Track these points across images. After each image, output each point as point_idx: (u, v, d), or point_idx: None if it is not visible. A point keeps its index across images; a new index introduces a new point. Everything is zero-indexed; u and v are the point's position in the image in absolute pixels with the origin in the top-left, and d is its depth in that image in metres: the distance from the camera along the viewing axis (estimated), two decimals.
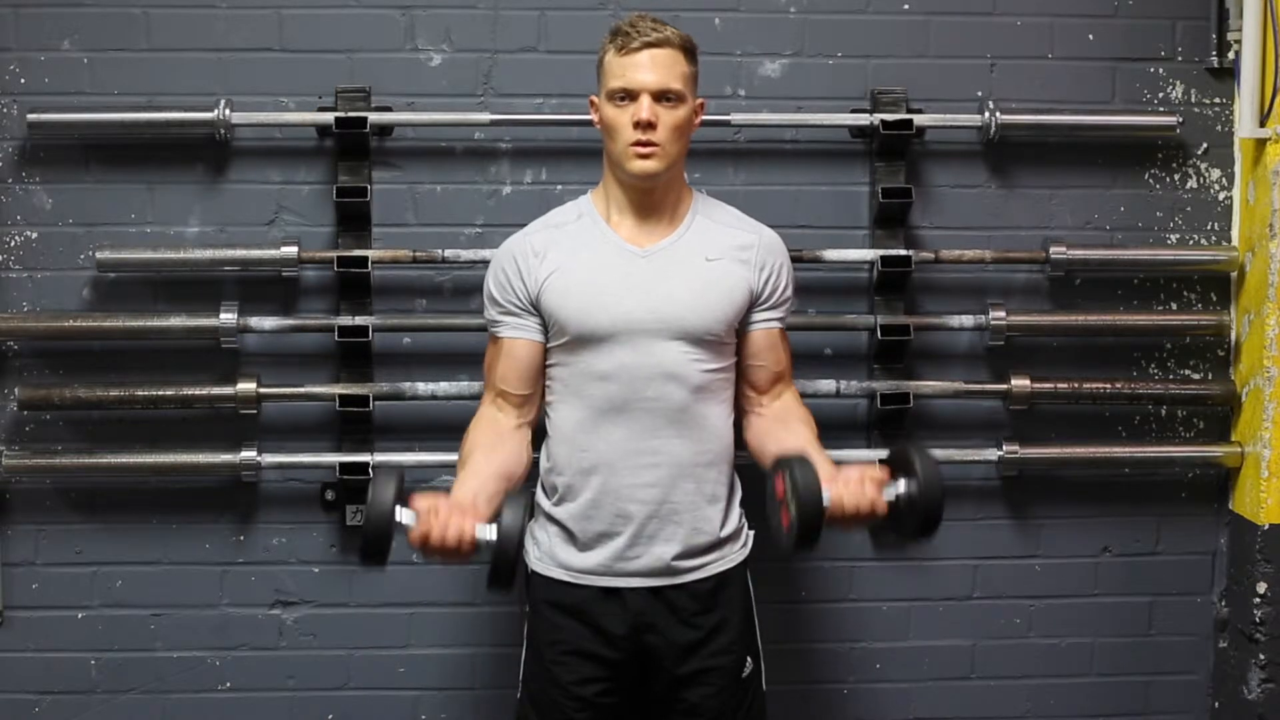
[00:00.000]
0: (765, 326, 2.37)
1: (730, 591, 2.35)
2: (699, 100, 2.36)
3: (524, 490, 2.21)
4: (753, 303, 2.35)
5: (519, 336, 2.34)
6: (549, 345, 2.34)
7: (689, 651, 2.32)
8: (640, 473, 2.28)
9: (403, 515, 2.05)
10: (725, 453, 2.36)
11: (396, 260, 2.74)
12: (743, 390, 2.39)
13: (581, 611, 2.32)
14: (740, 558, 2.38)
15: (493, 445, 2.29)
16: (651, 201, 2.34)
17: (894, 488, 2.14)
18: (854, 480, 2.13)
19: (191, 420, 2.78)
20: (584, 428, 2.30)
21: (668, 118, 2.26)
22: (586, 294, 2.28)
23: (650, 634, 2.31)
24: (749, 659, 2.37)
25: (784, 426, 2.34)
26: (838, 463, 2.21)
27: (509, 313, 2.35)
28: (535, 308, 2.33)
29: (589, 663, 2.32)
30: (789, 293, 2.41)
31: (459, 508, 2.10)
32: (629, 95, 2.26)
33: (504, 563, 2.05)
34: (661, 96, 2.26)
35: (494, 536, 2.06)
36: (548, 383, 2.36)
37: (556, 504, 2.35)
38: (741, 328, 2.36)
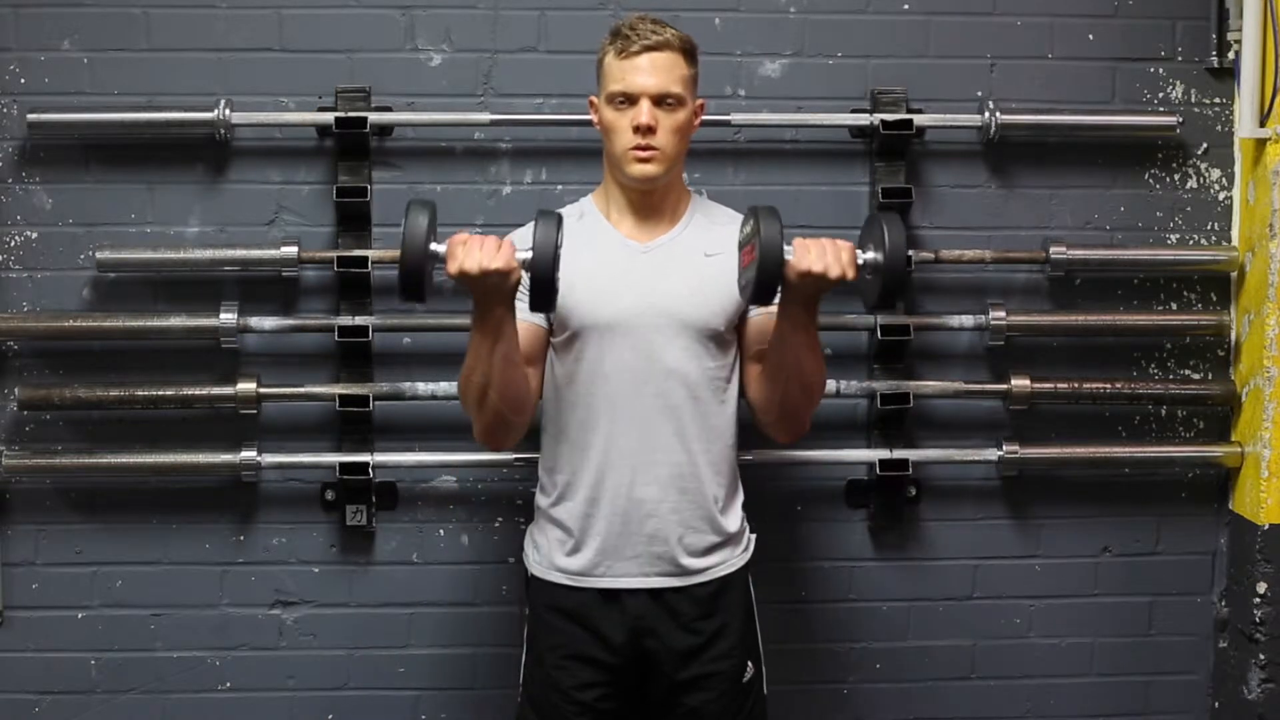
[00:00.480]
0: (766, 312, 2.35)
1: (731, 596, 2.35)
2: (699, 101, 2.36)
3: (554, 214, 2.10)
4: None
5: (522, 319, 2.31)
6: (551, 341, 2.34)
7: (689, 656, 2.31)
8: (640, 471, 2.28)
9: (437, 246, 2.05)
10: (726, 453, 2.36)
11: (396, 260, 2.73)
12: (749, 373, 2.37)
13: (580, 616, 2.31)
14: (741, 562, 2.38)
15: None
16: (651, 202, 2.34)
17: (864, 256, 2.14)
18: (827, 244, 2.11)
19: (191, 420, 2.78)
20: (583, 426, 2.30)
21: (667, 121, 2.26)
22: (588, 289, 2.28)
23: (650, 639, 2.31)
24: (749, 664, 2.36)
25: None
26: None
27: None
28: None
29: (588, 667, 2.31)
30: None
31: (488, 243, 2.06)
32: (628, 99, 2.26)
33: (542, 277, 2.03)
34: (661, 100, 2.26)
35: (529, 254, 2.04)
36: (549, 381, 2.36)
37: (555, 503, 2.35)
38: (742, 319, 2.36)
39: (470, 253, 2.03)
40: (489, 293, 2.06)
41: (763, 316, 2.35)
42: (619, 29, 2.30)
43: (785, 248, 2.08)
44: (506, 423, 2.24)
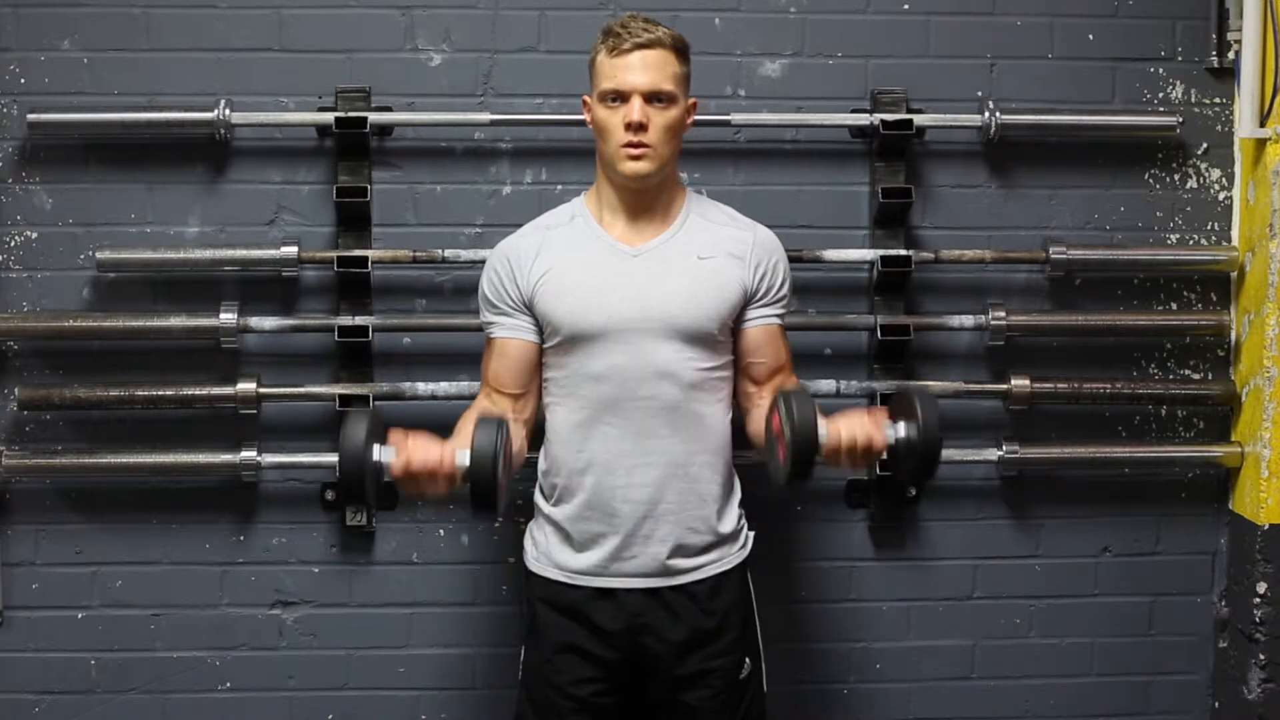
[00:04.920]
0: (763, 323, 2.36)
1: (728, 593, 2.35)
2: (691, 100, 2.36)
3: (496, 419, 2.18)
4: (747, 300, 2.35)
5: (512, 336, 2.34)
6: (544, 347, 2.34)
7: (685, 652, 2.31)
8: (634, 472, 2.28)
9: (380, 453, 2.10)
10: (722, 452, 2.35)
11: (396, 260, 2.74)
12: (743, 388, 2.39)
13: (578, 612, 2.32)
14: (739, 559, 2.38)
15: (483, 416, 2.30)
16: (644, 202, 2.34)
17: (894, 429, 2.16)
18: (854, 416, 2.17)
19: (191, 420, 2.78)
20: (579, 428, 2.30)
21: (659, 119, 2.26)
22: (579, 295, 2.29)
23: (646, 635, 2.31)
24: (747, 660, 2.36)
25: None
26: None
27: (502, 313, 2.35)
28: (529, 309, 2.33)
29: (585, 663, 2.32)
30: (786, 289, 2.40)
31: (434, 439, 2.15)
32: (620, 96, 2.26)
33: (482, 481, 2.07)
34: (653, 98, 2.26)
35: (467, 460, 2.09)
36: (544, 384, 2.36)
37: (553, 505, 2.35)
38: (738, 325, 2.36)
39: (413, 459, 2.12)
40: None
41: (761, 329, 2.36)
42: (610, 27, 2.30)
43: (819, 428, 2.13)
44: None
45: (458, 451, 2.11)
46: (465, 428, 2.23)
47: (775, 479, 2.22)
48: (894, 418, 2.20)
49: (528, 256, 2.33)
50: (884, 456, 2.21)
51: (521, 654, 2.41)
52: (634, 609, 2.30)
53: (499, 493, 2.11)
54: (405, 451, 2.12)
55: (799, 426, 2.09)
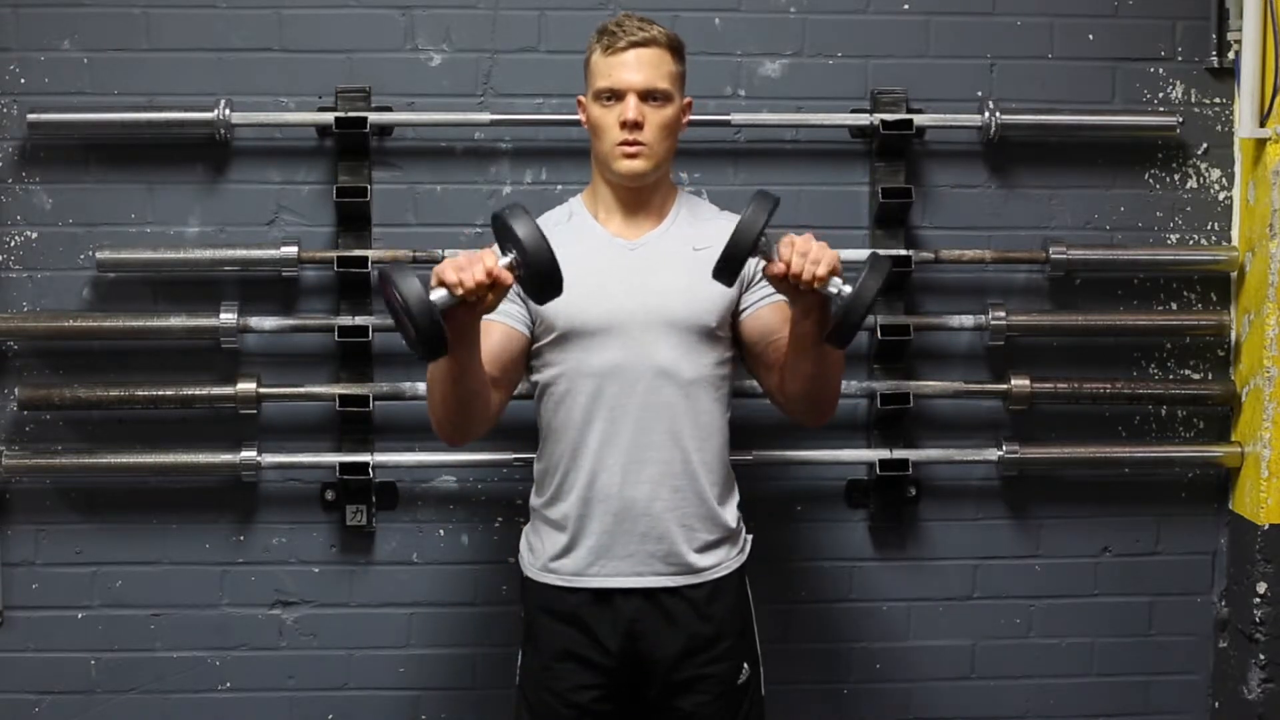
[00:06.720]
0: (771, 301, 2.33)
1: (726, 598, 2.34)
2: (687, 99, 2.35)
3: (515, 205, 2.06)
4: (745, 285, 2.33)
5: (500, 320, 2.29)
6: (538, 344, 2.34)
7: (683, 659, 2.30)
8: (631, 471, 2.27)
9: (433, 294, 2.00)
10: (720, 451, 2.35)
11: (396, 260, 2.74)
12: (765, 378, 2.35)
13: (575, 618, 2.30)
14: (737, 563, 2.37)
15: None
16: (639, 200, 2.34)
17: (837, 282, 2.08)
18: (813, 244, 2.08)
19: (191, 420, 2.78)
20: (575, 425, 2.29)
21: (655, 117, 2.26)
22: (576, 289, 2.26)
23: (644, 641, 2.30)
24: (745, 666, 2.35)
25: None
26: None
27: None
28: (524, 301, 2.31)
29: (584, 669, 2.31)
30: None
31: (461, 254, 2.04)
32: (615, 95, 2.26)
33: (543, 258, 1.99)
34: (648, 96, 2.26)
35: (514, 251, 2.00)
36: (540, 382, 2.35)
37: (549, 503, 2.34)
38: (743, 313, 2.34)
39: (463, 276, 1.98)
40: (473, 310, 2.04)
41: (769, 307, 2.33)
42: (606, 26, 2.30)
43: (767, 237, 2.05)
44: (456, 425, 2.24)
45: (495, 254, 2.02)
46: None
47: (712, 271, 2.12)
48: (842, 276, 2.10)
49: None
50: (830, 279, 2.07)
51: (519, 659, 2.40)
52: (631, 614, 2.29)
53: (558, 264, 2.01)
54: (450, 277, 1.99)
55: (740, 224, 2.03)
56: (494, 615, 2.83)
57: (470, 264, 2.00)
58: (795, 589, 2.89)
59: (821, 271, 2.06)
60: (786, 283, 2.09)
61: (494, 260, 2.01)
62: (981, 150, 2.86)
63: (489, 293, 2.01)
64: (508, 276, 2.02)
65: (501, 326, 2.30)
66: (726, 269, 2.09)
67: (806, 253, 2.07)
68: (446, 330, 1.98)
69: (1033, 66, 2.86)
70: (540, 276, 2.02)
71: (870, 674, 2.92)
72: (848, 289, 2.06)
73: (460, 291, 1.99)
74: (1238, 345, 2.88)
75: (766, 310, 2.33)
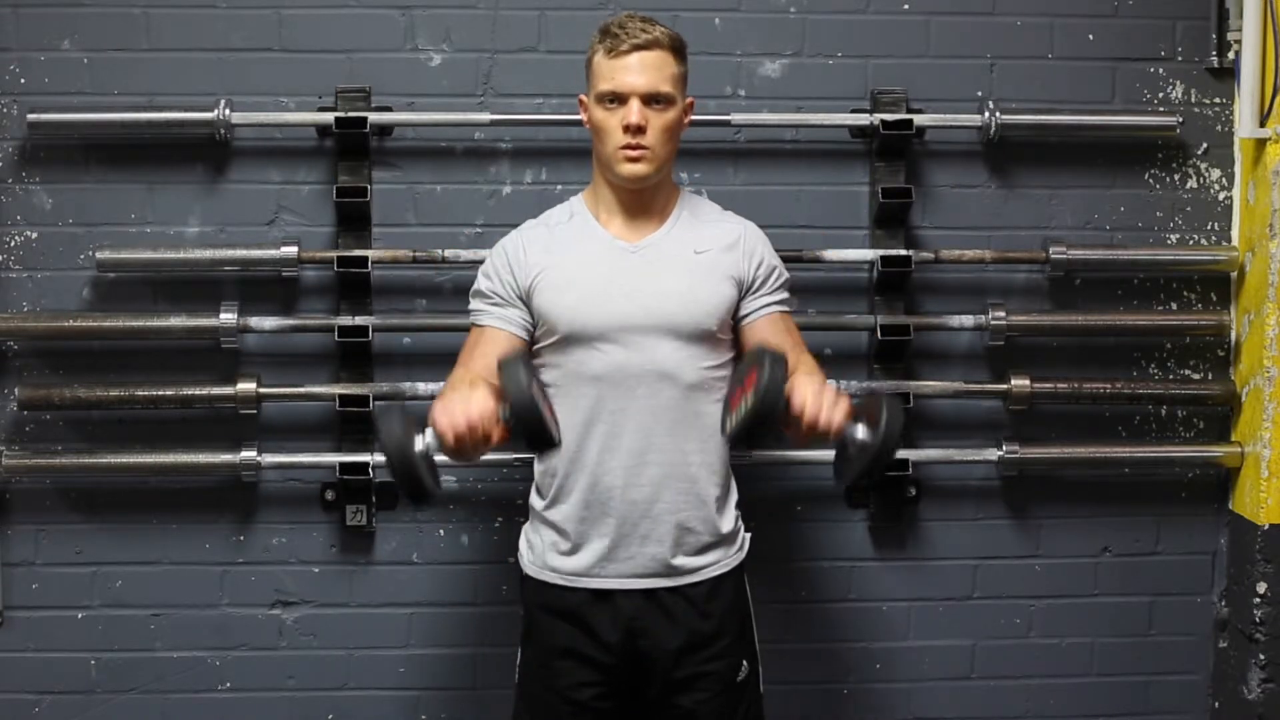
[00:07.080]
0: (768, 311, 2.35)
1: (725, 596, 2.34)
2: (688, 100, 2.35)
3: (514, 356, 2.11)
4: (744, 292, 2.34)
5: (500, 326, 2.32)
6: (539, 346, 2.34)
7: (682, 656, 2.31)
8: (632, 473, 2.28)
9: (419, 441, 2.04)
10: (720, 453, 2.35)
11: (396, 260, 2.74)
12: None
13: (575, 615, 2.31)
14: (736, 561, 2.37)
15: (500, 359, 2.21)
16: (641, 202, 2.34)
17: (854, 429, 2.12)
18: (828, 394, 2.11)
19: (191, 420, 2.78)
20: (576, 428, 2.28)
21: (657, 120, 2.26)
22: (577, 291, 2.28)
23: (643, 639, 2.30)
24: (744, 663, 2.36)
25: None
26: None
27: (495, 303, 2.34)
28: (525, 303, 2.32)
29: (583, 666, 2.31)
30: (784, 276, 2.40)
31: (460, 396, 2.08)
32: (618, 99, 2.26)
33: (532, 422, 2.03)
34: (651, 99, 2.26)
35: (507, 407, 2.04)
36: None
37: (550, 505, 2.34)
38: (742, 321, 2.35)
39: (458, 430, 2.03)
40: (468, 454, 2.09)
41: (765, 320, 2.34)
42: (608, 27, 2.29)
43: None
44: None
45: (491, 402, 2.06)
46: (464, 388, 2.14)
47: (725, 426, 2.18)
48: (858, 416, 2.15)
49: (527, 252, 2.33)
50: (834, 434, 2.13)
51: (518, 657, 2.40)
52: (631, 612, 2.29)
53: (549, 425, 2.06)
54: (442, 424, 2.04)
55: (766, 393, 2.05)
56: (494, 615, 2.83)
57: (463, 413, 2.03)
58: (795, 589, 2.89)
59: (839, 420, 2.10)
60: (800, 424, 2.12)
61: (480, 413, 2.04)
62: (981, 150, 2.86)
63: (483, 445, 2.06)
64: (496, 435, 2.06)
65: (502, 332, 2.31)
66: (744, 439, 2.16)
67: (820, 407, 2.10)
68: (431, 476, 2.04)
69: (1033, 66, 2.86)
70: (530, 437, 2.06)
71: (870, 674, 2.92)
72: (863, 435, 2.11)
73: (450, 440, 2.04)
74: (1238, 345, 2.88)
75: (764, 322, 2.35)
